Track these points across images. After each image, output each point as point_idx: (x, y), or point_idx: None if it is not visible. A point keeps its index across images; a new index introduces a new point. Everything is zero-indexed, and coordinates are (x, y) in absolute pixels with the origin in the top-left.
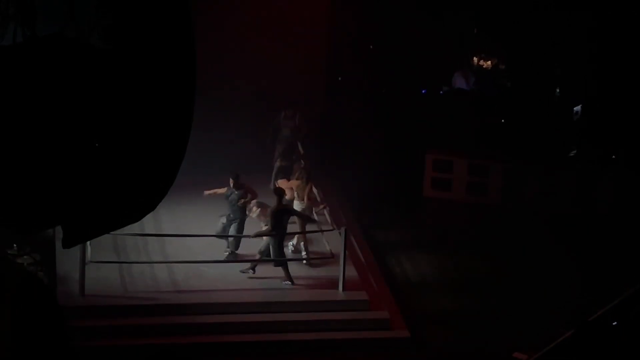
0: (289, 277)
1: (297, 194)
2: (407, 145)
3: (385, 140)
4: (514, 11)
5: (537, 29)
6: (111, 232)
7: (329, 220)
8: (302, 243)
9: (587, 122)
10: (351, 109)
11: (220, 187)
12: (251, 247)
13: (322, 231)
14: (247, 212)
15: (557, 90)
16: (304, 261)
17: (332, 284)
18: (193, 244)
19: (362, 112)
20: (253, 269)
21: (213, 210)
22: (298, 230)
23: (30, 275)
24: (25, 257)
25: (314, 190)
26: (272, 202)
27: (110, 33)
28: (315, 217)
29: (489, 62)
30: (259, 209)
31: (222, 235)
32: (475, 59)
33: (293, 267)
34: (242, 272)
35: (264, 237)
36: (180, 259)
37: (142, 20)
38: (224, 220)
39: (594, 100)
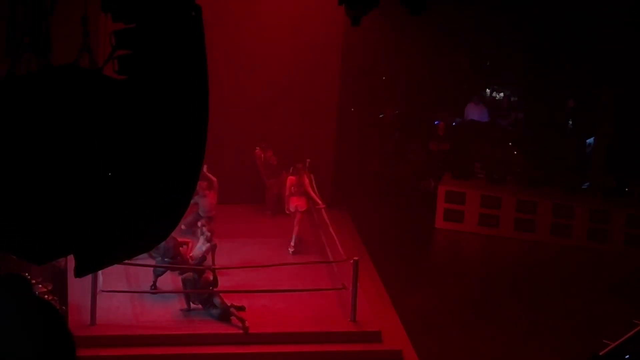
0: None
1: (293, 190)
2: (420, 175)
3: (398, 170)
4: (527, 42)
5: (549, 60)
6: (123, 262)
7: (327, 220)
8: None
9: (600, 153)
10: (364, 138)
11: None
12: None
13: (333, 262)
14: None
15: (570, 122)
16: (290, 250)
17: (343, 315)
18: None
19: (376, 142)
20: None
21: (222, 237)
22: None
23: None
24: (37, 286)
25: (314, 184)
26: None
27: (124, 63)
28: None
29: (502, 94)
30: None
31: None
32: (488, 90)
33: (301, 298)
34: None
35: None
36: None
37: (156, 52)
38: None
39: (607, 132)
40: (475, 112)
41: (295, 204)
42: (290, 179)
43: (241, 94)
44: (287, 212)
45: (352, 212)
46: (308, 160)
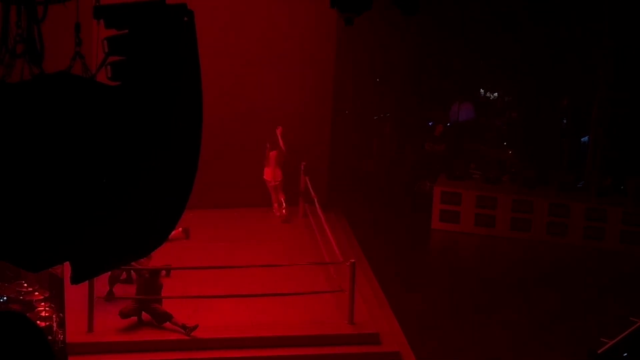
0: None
1: (277, 162)
2: (416, 177)
3: (394, 171)
4: (521, 41)
5: (542, 59)
6: (120, 267)
7: (323, 222)
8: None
9: (595, 152)
10: (359, 140)
11: None
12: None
13: (329, 263)
14: None
15: (564, 120)
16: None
17: (340, 317)
18: (202, 277)
19: (370, 144)
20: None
21: (219, 240)
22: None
23: (18, 315)
24: (34, 293)
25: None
26: None
27: (117, 70)
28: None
29: (496, 94)
30: None
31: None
32: (482, 90)
33: (298, 301)
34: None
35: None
36: (188, 292)
37: (149, 57)
38: None
39: (602, 131)
40: (461, 112)
41: (280, 173)
42: (273, 153)
43: (235, 96)
44: (275, 183)
45: (348, 214)
46: (303, 163)
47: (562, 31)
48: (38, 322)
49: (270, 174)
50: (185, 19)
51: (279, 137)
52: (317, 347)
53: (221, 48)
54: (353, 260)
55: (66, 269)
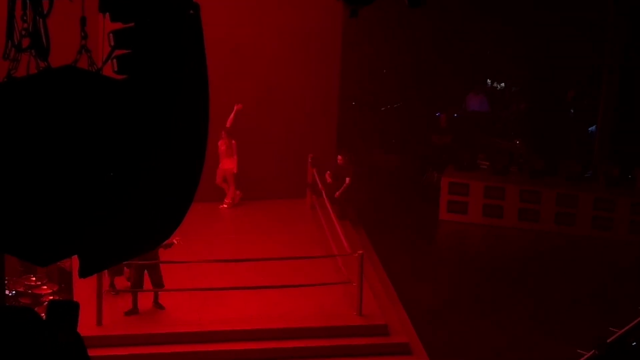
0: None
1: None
2: (423, 168)
3: (401, 163)
4: (528, 33)
5: (550, 49)
6: (127, 261)
7: (331, 214)
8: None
9: (603, 142)
10: (366, 132)
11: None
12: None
13: (337, 255)
14: None
15: (572, 110)
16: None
17: (349, 309)
18: (210, 270)
19: (377, 135)
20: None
21: (227, 233)
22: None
23: (26, 310)
24: (43, 287)
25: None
26: None
27: (123, 63)
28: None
29: (503, 84)
30: None
31: None
32: (489, 81)
33: (307, 292)
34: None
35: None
36: (197, 285)
37: (156, 51)
38: None
39: (609, 120)
40: (475, 103)
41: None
42: (234, 142)
43: (241, 89)
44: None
45: (356, 205)
46: (311, 155)
47: (568, 21)
48: None
49: (232, 162)
50: (191, 12)
51: (233, 113)
52: (325, 339)
53: (227, 41)
54: (361, 252)
55: (75, 262)
